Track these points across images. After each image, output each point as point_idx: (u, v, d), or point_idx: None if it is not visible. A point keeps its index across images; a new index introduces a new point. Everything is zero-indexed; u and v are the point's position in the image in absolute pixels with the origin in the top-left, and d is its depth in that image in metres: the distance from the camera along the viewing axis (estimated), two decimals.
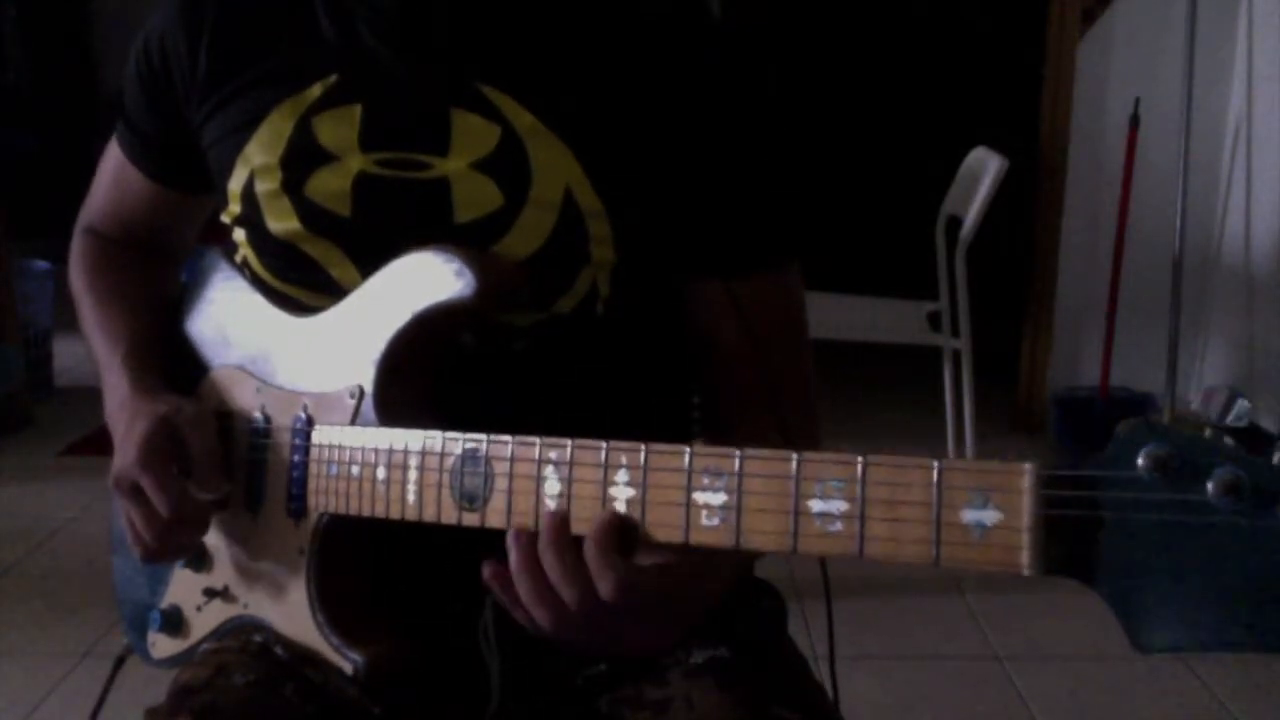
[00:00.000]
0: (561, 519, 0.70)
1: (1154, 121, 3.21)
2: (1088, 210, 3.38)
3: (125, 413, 0.91)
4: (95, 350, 1.00)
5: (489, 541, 0.74)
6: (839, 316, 2.94)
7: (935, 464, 0.56)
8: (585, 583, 0.68)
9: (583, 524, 0.69)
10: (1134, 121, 3.19)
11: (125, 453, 0.87)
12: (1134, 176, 3.20)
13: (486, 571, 0.71)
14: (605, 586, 0.67)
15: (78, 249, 1.08)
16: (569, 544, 0.69)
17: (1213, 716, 2.06)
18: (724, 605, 0.90)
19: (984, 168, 2.84)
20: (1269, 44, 3.10)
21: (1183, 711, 2.09)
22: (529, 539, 0.70)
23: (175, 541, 0.89)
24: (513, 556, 0.70)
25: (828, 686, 0.94)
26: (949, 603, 2.48)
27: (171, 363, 0.98)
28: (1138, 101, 3.19)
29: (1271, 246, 3.08)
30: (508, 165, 0.85)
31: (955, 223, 2.89)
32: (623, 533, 0.68)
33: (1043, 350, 3.52)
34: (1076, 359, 3.49)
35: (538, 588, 0.70)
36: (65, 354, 3.87)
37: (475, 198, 0.85)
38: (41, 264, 3.75)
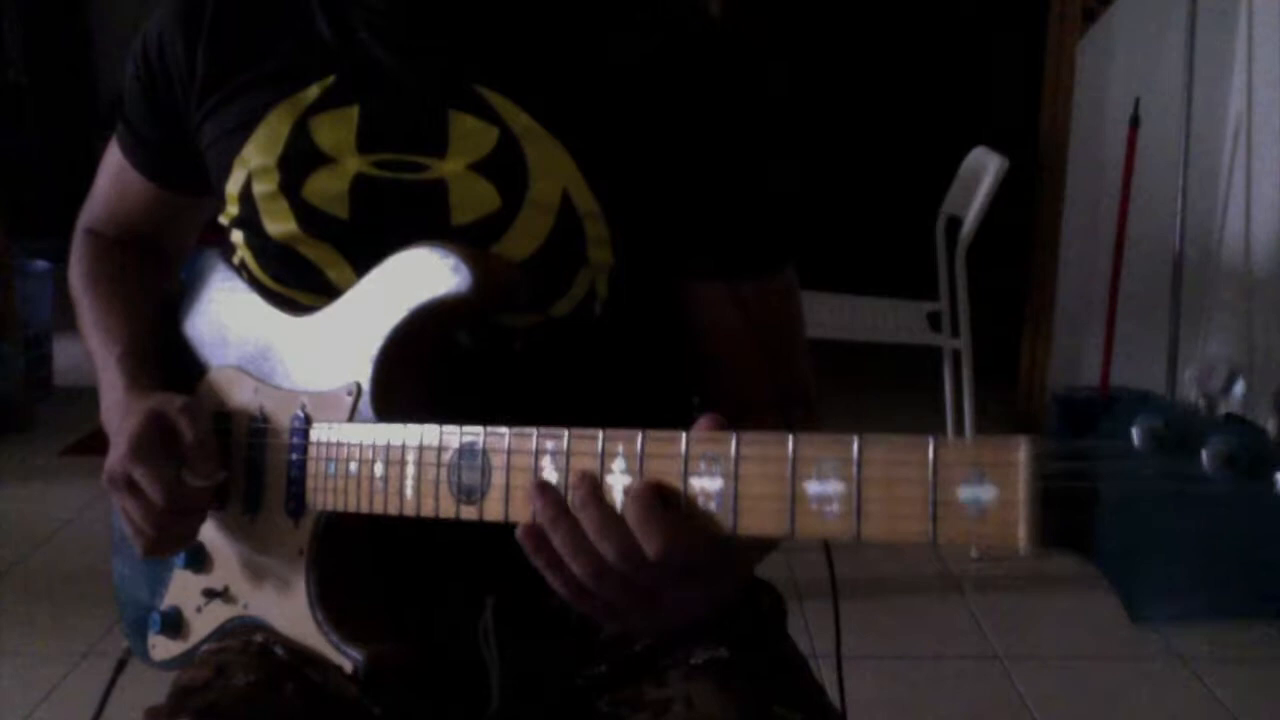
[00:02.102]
0: (591, 476, 0.68)
1: (1154, 121, 3.21)
2: (1088, 210, 3.38)
3: (119, 411, 0.91)
4: (93, 350, 1.00)
5: (489, 541, 0.74)
6: (839, 316, 2.94)
7: (930, 442, 0.56)
8: (625, 538, 0.65)
9: None
10: (1134, 121, 3.19)
11: (117, 448, 0.87)
12: (1134, 176, 3.20)
13: (520, 530, 0.68)
14: (653, 545, 0.64)
15: (77, 250, 1.08)
16: (602, 499, 0.67)
17: (1213, 716, 2.06)
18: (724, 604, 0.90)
19: (984, 168, 2.84)
20: (1269, 44, 3.10)
21: (1183, 711, 2.09)
22: (555, 495, 0.68)
23: (174, 532, 0.89)
24: (539, 509, 0.68)
25: (834, 687, 0.93)
26: (949, 603, 2.48)
27: (169, 363, 0.98)
28: (1138, 102, 3.19)
29: (1271, 246, 3.08)
30: (505, 167, 0.85)
31: (955, 223, 2.89)
32: (665, 495, 0.65)
33: (1043, 350, 3.52)
34: (1076, 359, 3.49)
35: (574, 538, 0.67)
36: (65, 354, 3.87)
37: (473, 199, 0.85)
38: (41, 264, 3.75)
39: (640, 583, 0.67)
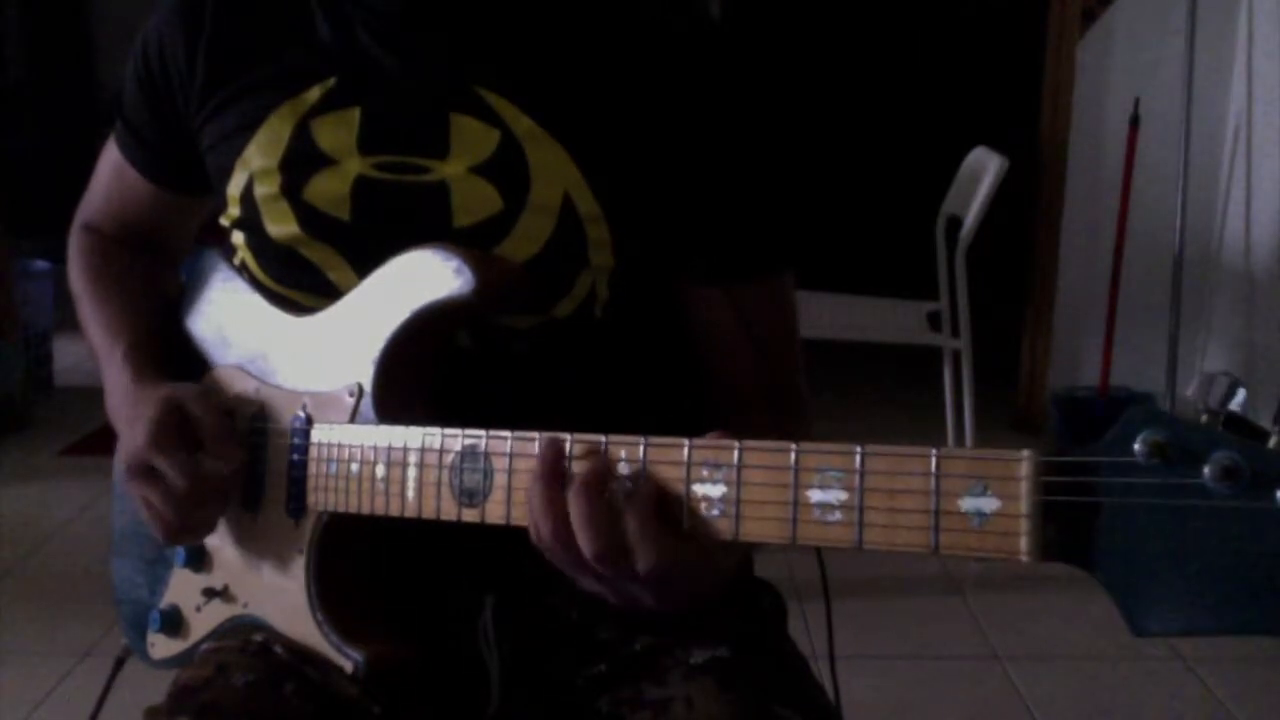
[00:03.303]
0: (604, 461, 0.67)
1: (1154, 121, 3.21)
2: (1088, 210, 3.38)
3: (128, 403, 0.91)
4: (95, 347, 1.00)
5: (489, 541, 0.74)
6: (839, 316, 2.94)
7: (933, 453, 0.56)
8: (617, 547, 0.65)
9: None
10: (1134, 121, 3.19)
11: (135, 437, 0.87)
12: (1134, 176, 3.20)
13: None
14: (645, 561, 0.65)
15: (76, 246, 1.08)
16: (600, 493, 0.67)
17: (1213, 716, 2.06)
18: (724, 605, 0.90)
19: (984, 168, 2.84)
20: (1269, 44, 3.10)
21: (1183, 711, 2.09)
22: (557, 456, 0.68)
23: (195, 519, 0.89)
24: (538, 463, 0.68)
25: (828, 686, 0.94)
26: (949, 603, 2.48)
27: (171, 362, 0.98)
28: (1138, 102, 3.20)
29: (1271, 246, 3.08)
30: (506, 169, 0.85)
31: (955, 223, 2.89)
32: (668, 508, 0.65)
33: (1043, 350, 3.52)
34: (1076, 359, 3.49)
35: (550, 497, 0.67)
36: (65, 354, 3.87)
37: (474, 202, 0.85)
38: (41, 264, 3.76)
39: (618, 581, 0.68)
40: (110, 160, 1.05)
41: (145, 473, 0.86)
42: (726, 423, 0.67)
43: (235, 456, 0.87)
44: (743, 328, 0.90)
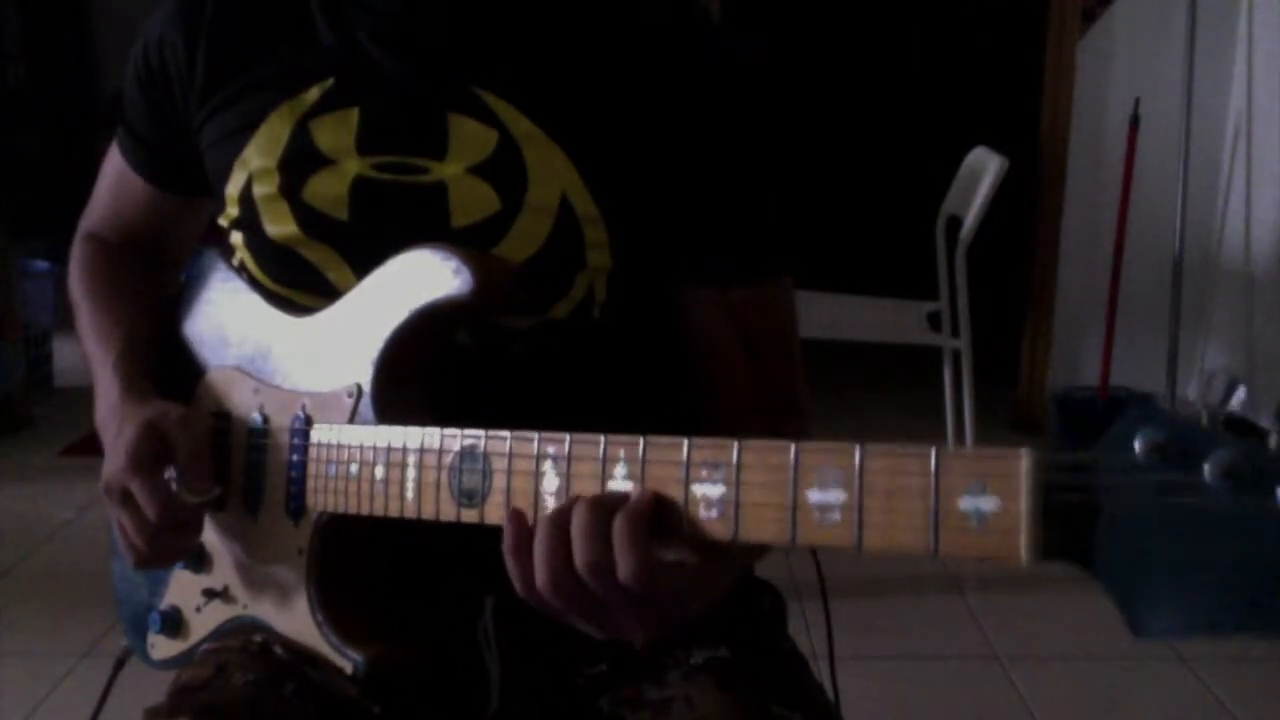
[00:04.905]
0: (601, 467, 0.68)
1: (1154, 121, 3.21)
2: (1088, 210, 3.38)
3: (115, 418, 0.90)
4: (89, 354, 0.99)
5: (489, 541, 0.74)
6: (839, 316, 2.94)
7: (933, 452, 0.56)
8: (602, 549, 0.66)
9: None
10: (1134, 121, 3.19)
11: (115, 458, 0.87)
12: (1134, 176, 3.20)
13: (510, 513, 0.69)
14: (625, 568, 0.65)
15: (77, 255, 1.08)
16: (607, 507, 0.67)
17: (1213, 717, 2.06)
18: (724, 605, 0.90)
19: (984, 168, 2.84)
20: (1269, 44, 3.10)
21: (1183, 711, 2.09)
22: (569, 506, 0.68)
23: (167, 546, 0.89)
24: (550, 509, 0.69)
25: (828, 686, 0.94)
26: (949, 603, 2.48)
27: (168, 365, 0.98)
28: (1138, 101, 3.20)
29: (1271, 246, 3.08)
30: (504, 170, 0.85)
31: (955, 223, 2.89)
32: (660, 517, 0.65)
33: (1043, 350, 3.52)
34: (1076, 359, 3.49)
35: (555, 544, 0.67)
36: (65, 354, 3.87)
37: (472, 202, 0.85)
38: (41, 264, 3.76)
39: (595, 595, 0.67)
40: (112, 167, 1.05)
41: (120, 496, 0.86)
42: (722, 426, 0.67)
43: (209, 491, 0.87)
44: (732, 333, 0.90)
